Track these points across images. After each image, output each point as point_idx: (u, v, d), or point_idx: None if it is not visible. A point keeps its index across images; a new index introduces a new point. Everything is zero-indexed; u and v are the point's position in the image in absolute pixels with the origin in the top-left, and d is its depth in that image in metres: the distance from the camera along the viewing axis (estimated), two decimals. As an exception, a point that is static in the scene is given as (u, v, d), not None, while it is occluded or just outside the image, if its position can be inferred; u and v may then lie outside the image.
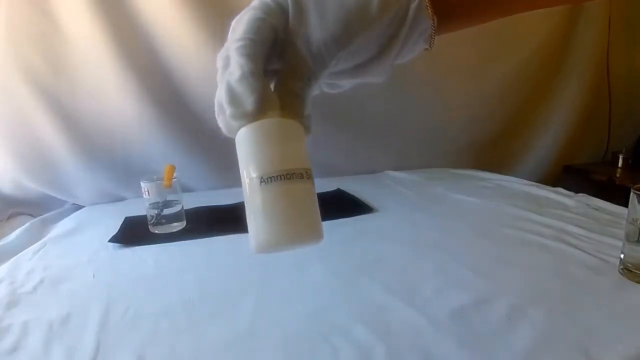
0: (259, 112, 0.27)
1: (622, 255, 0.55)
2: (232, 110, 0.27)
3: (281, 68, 0.30)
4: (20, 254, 0.73)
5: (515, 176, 1.15)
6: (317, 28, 0.29)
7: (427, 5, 0.31)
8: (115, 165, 1.06)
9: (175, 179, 0.78)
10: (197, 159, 1.10)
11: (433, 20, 0.32)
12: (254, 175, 0.26)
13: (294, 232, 0.27)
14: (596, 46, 1.37)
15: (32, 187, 1.05)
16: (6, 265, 0.68)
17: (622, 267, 0.55)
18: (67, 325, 0.49)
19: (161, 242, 0.75)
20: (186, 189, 1.08)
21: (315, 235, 0.28)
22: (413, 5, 0.30)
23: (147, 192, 0.77)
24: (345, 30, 0.29)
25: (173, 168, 0.78)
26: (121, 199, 1.09)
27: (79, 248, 0.75)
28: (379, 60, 0.32)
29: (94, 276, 0.63)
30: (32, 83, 0.96)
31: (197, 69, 1.05)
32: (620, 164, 1.41)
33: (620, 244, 0.56)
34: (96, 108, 1.01)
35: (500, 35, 1.26)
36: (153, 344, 0.45)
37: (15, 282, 0.61)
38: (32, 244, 0.77)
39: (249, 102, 0.26)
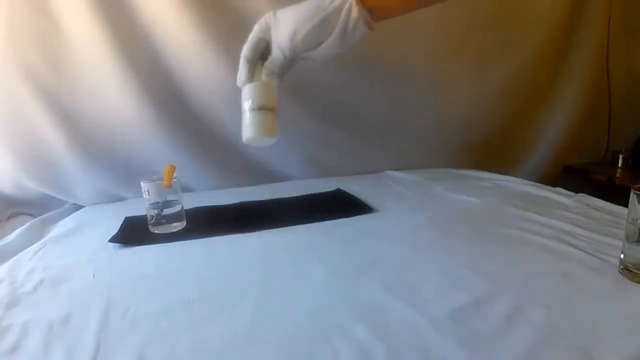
0: (249, 80, 0.56)
1: (622, 255, 0.55)
2: (238, 76, 0.57)
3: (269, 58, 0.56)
4: (20, 254, 0.73)
5: (515, 176, 1.15)
6: (280, 36, 0.54)
7: (356, 5, 0.50)
8: (115, 165, 1.06)
9: (175, 179, 0.78)
10: (197, 159, 1.10)
11: (360, 14, 0.50)
12: (247, 107, 0.55)
13: (262, 134, 0.55)
14: (596, 46, 1.37)
15: (32, 187, 1.05)
16: (6, 265, 0.68)
17: (622, 267, 0.55)
18: (67, 325, 0.49)
19: (161, 242, 0.75)
20: (186, 189, 1.08)
21: (272, 136, 0.56)
22: (346, 5, 0.50)
23: (147, 192, 0.77)
24: (294, 31, 0.53)
25: (173, 168, 0.78)
26: (121, 199, 1.09)
27: (79, 248, 0.75)
28: (327, 46, 0.53)
29: (94, 276, 0.63)
30: (32, 83, 0.96)
31: (197, 69, 1.05)
32: (620, 164, 1.41)
33: (620, 244, 0.56)
34: (96, 108, 1.01)
35: (500, 35, 1.26)
36: (153, 344, 0.45)
37: (15, 282, 0.61)
38: (32, 244, 0.77)
39: (241, 74, 0.56)
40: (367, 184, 1.08)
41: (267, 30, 0.56)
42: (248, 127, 0.55)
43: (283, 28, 0.54)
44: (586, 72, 1.38)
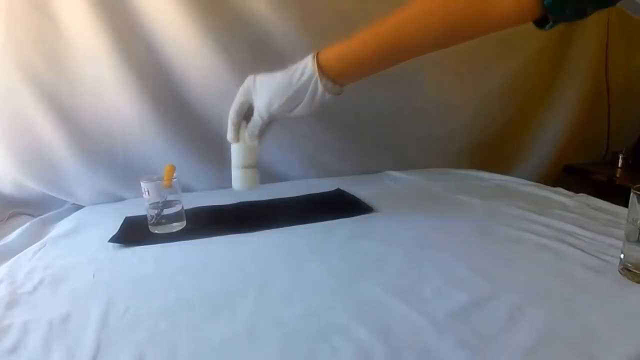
0: (235, 140, 0.72)
1: (622, 255, 0.55)
2: (227, 135, 0.72)
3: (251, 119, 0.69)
4: (20, 254, 0.73)
5: (515, 176, 1.15)
6: (259, 101, 0.66)
7: (320, 81, 0.62)
8: (115, 165, 1.06)
9: (175, 179, 0.78)
10: (197, 159, 1.10)
11: (325, 86, 0.62)
12: (233, 163, 0.74)
13: (245, 186, 0.75)
14: (595, 47, 1.37)
15: (32, 187, 1.05)
16: (6, 265, 0.68)
17: (622, 267, 0.55)
18: (67, 325, 0.49)
19: (161, 242, 0.75)
20: (186, 189, 1.08)
21: (254, 189, 0.76)
22: (312, 81, 0.62)
23: (147, 192, 0.77)
24: (270, 102, 0.65)
25: (173, 168, 0.78)
26: (121, 199, 1.09)
27: (79, 248, 0.75)
28: (300, 110, 0.65)
29: (94, 276, 0.63)
30: (32, 83, 0.96)
31: (197, 69, 1.05)
32: (620, 164, 1.41)
33: (620, 244, 0.56)
34: (96, 108, 1.01)
35: (500, 36, 1.26)
36: (153, 344, 0.45)
37: (15, 282, 0.61)
38: (32, 244, 0.77)
39: (229, 134, 0.71)
40: (367, 184, 1.08)
41: (248, 94, 0.68)
42: (235, 181, 0.75)
43: (260, 98, 0.66)
44: (585, 73, 1.38)
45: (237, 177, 0.76)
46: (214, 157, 1.08)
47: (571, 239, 0.67)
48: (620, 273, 0.55)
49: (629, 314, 0.47)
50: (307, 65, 0.63)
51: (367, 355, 0.42)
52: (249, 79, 0.68)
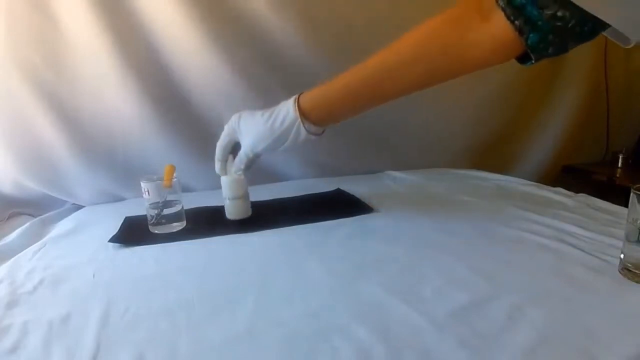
0: (223, 173, 0.80)
1: (622, 256, 0.55)
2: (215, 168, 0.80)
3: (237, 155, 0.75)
4: (20, 254, 0.73)
5: (515, 176, 1.15)
6: (244, 141, 0.73)
7: (302, 125, 0.67)
8: (115, 165, 1.06)
9: (175, 179, 0.78)
10: (197, 159, 1.10)
11: (308, 130, 0.68)
12: (224, 196, 0.83)
13: (237, 217, 0.83)
14: (594, 47, 1.37)
15: (32, 187, 1.05)
16: (6, 265, 0.68)
17: (622, 267, 0.55)
18: (67, 325, 0.49)
19: (161, 242, 0.75)
20: (186, 189, 1.08)
21: (245, 217, 0.84)
22: (295, 125, 0.67)
23: (147, 192, 0.77)
24: (254, 144, 0.72)
25: (173, 168, 0.78)
26: (121, 199, 1.09)
27: (79, 248, 0.75)
28: (283, 149, 0.71)
29: (94, 276, 0.63)
30: (32, 83, 0.96)
31: (197, 69, 1.05)
32: (620, 164, 1.41)
33: (620, 244, 0.56)
34: (96, 108, 1.01)
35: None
36: (153, 344, 0.45)
37: (15, 282, 0.61)
38: (32, 244, 0.77)
39: (217, 169, 0.80)
40: (367, 184, 1.08)
41: (233, 133, 0.75)
42: (227, 211, 0.84)
43: (245, 139, 0.73)
44: (585, 73, 1.38)
45: (228, 207, 0.83)
46: (214, 157, 1.08)
47: (571, 239, 0.67)
48: (620, 273, 0.55)
49: (629, 314, 0.47)
50: (289, 111, 0.67)
51: (367, 355, 0.42)
52: (234, 118, 0.74)
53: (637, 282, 0.53)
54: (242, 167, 0.75)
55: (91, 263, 0.67)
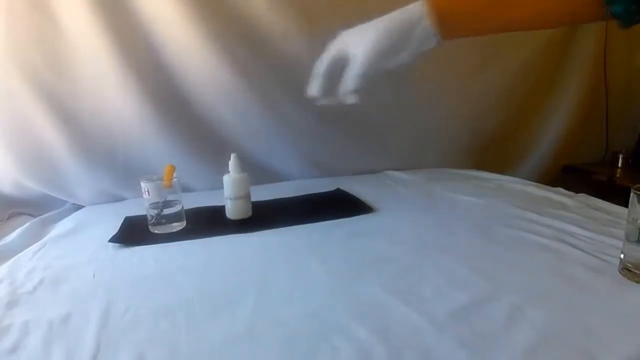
0: (321, 94, 0.62)
1: (622, 256, 0.55)
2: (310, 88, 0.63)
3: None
4: (20, 254, 0.73)
5: (515, 176, 1.15)
6: (358, 49, 0.59)
7: (429, 18, 0.54)
8: (115, 165, 1.06)
9: (175, 179, 0.78)
10: (197, 159, 1.10)
11: (437, 34, 0.54)
12: (226, 196, 0.83)
13: (238, 217, 0.83)
14: (594, 46, 1.37)
15: (32, 187, 1.05)
16: (6, 265, 0.68)
17: (622, 267, 0.55)
18: (67, 325, 0.49)
19: (161, 242, 0.75)
20: (186, 189, 1.08)
21: (246, 217, 0.84)
22: (422, 21, 0.55)
23: (147, 192, 0.77)
24: (367, 52, 0.58)
25: (173, 168, 0.78)
26: (121, 199, 1.09)
27: (79, 248, 0.75)
28: (401, 57, 0.58)
29: (94, 276, 0.63)
30: (32, 83, 0.96)
31: (197, 69, 1.05)
32: (620, 164, 1.40)
33: (620, 244, 0.56)
34: (96, 108, 1.01)
35: (500, 36, 1.26)
36: (153, 344, 0.45)
37: (15, 282, 0.61)
38: (32, 244, 0.77)
39: (314, 88, 0.62)
40: (367, 184, 1.08)
41: (342, 47, 0.62)
42: (227, 211, 0.83)
43: (359, 46, 0.59)
44: (585, 72, 1.38)
45: (229, 207, 0.83)
46: (214, 157, 1.09)
47: (571, 239, 0.67)
48: (620, 273, 0.55)
49: (629, 314, 0.47)
50: (414, 5, 0.56)
51: (367, 355, 0.42)
52: (341, 33, 0.64)
53: (637, 282, 0.53)
54: (355, 83, 0.59)
55: (91, 263, 0.67)
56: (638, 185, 0.53)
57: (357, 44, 0.60)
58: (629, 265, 0.54)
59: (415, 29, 0.55)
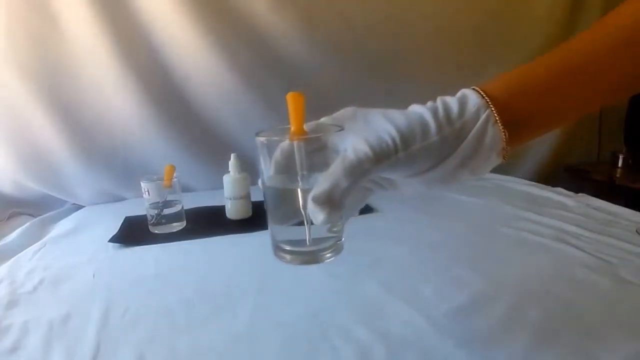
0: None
1: None
2: None
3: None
4: (20, 254, 0.73)
5: (515, 176, 1.15)
6: (352, 140, 0.33)
7: (496, 120, 0.33)
8: (115, 165, 1.06)
9: (175, 179, 0.78)
10: (197, 159, 1.10)
11: (505, 134, 0.34)
12: (226, 196, 0.83)
13: (237, 216, 0.83)
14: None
15: (32, 187, 1.05)
16: (6, 265, 0.68)
17: None
18: (67, 325, 0.49)
19: (161, 242, 0.75)
20: (186, 189, 1.08)
21: (246, 216, 0.85)
22: (480, 121, 0.33)
23: (147, 192, 0.77)
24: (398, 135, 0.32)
25: (173, 168, 0.78)
26: (121, 199, 1.09)
27: (79, 248, 0.75)
28: (437, 171, 0.33)
29: (94, 276, 0.63)
30: (32, 83, 0.96)
31: (197, 69, 1.05)
32: (620, 164, 1.40)
33: (620, 243, 0.56)
34: (96, 108, 1.01)
35: (500, 36, 1.26)
36: (153, 344, 0.45)
37: (15, 282, 0.61)
38: (32, 244, 0.77)
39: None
40: (367, 184, 1.08)
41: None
42: (228, 211, 0.83)
43: (356, 137, 0.33)
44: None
45: (228, 207, 0.83)
46: (214, 157, 1.09)
47: (571, 239, 0.67)
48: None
49: (628, 314, 0.47)
50: (465, 96, 0.34)
51: (367, 355, 0.42)
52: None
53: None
54: (345, 185, 0.31)
55: (91, 263, 0.67)
56: None
57: (354, 133, 0.34)
58: None
59: (469, 130, 0.33)
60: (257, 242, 0.74)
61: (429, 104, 0.35)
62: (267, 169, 0.37)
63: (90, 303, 0.54)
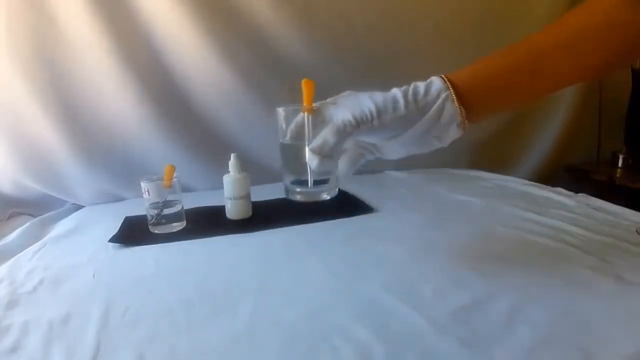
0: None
1: None
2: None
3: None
4: (20, 254, 0.73)
5: (515, 176, 1.15)
6: (342, 112, 0.45)
7: (453, 99, 0.45)
8: (115, 165, 1.06)
9: (175, 179, 0.78)
10: (197, 159, 1.10)
11: (461, 110, 0.45)
12: (226, 196, 0.83)
13: (237, 216, 0.83)
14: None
15: (32, 187, 1.05)
16: (6, 265, 0.68)
17: None
18: (67, 325, 0.49)
19: (161, 242, 0.75)
20: (186, 189, 1.08)
21: (246, 217, 0.84)
22: (440, 99, 0.45)
23: (147, 192, 0.77)
24: (373, 110, 0.45)
25: (173, 168, 0.78)
26: (121, 199, 1.10)
27: (79, 248, 0.75)
28: (409, 134, 0.46)
29: (94, 276, 0.63)
30: (31, 83, 0.96)
31: (197, 69, 1.05)
32: (620, 164, 1.40)
33: (620, 243, 0.56)
34: (96, 108, 1.02)
35: (499, 36, 1.26)
36: (153, 344, 0.45)
37: (15, 282, 0.61)
38: (32, 244, 0.77)
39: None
40: (367, 184, 1.08)
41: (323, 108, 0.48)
42: (228, 211, 0.83)
43: (346, 110, 0.45)
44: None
45: (229, 207, 0.83)
46: (214, 157, 1.09)
47: (571, 239, 0.67)
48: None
49: (629, 314, 0.47)
50: (431, 81, 0.47)
51: (367, 355, 0.42)
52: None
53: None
54: (331, 142, 0.44)
55: (91, 263, 0.67)
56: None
57: (343, 107, 0.46)
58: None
59: (432, 105, 0.45)
60: (257, 242, 0.74)
61: (404, 87, 0.47)
62: (284, 135, 0.53)
63: (90, 303, 0.54)
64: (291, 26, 1.08)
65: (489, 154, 1.36)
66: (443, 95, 0.45)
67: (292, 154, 0.54)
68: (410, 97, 0.45)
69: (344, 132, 0.44)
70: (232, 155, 0.82)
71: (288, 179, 0.55)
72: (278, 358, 0.43)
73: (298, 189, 0.54)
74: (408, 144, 0.47)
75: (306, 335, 0.45)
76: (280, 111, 0.53)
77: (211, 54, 1.03)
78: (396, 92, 0.46)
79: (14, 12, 0.93)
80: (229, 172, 0.82)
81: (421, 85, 0.47)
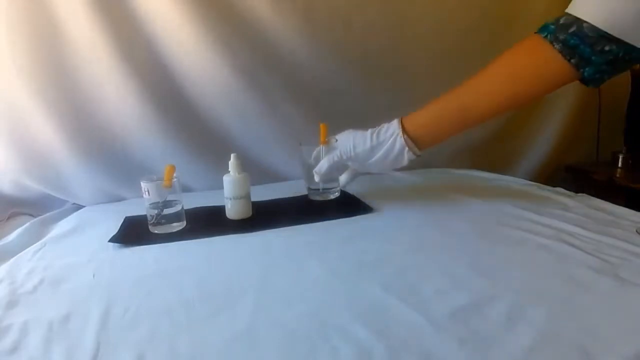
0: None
1: None
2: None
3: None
4: (20, 254, 0.73)
5: (515, 176, 1.15)
6: (342, 146, 0.81)
7: (402, 136, 0.77)
8: (115, 165, 1.06)
9: (175, 179, 0.78)
10: (197, 159, 1.10)
11: (408, 143, 0.77)
12: (226, 196, 0.84)
13: (236, 216, 0.84)
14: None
15: (33, 187, 1.05)
16: (6, 265, 0.68)
17: None
18: (67, 325, 0.49)
19: (161, 242, 0.75)
20: (186, 189, 1.08)
21: (246, 217, 0.85)
22: (393, 137, 0.77)
23: (147, 192, 0.77)
24: (353, 146, 0.79)
25: (173, 168, 0.78)
26: (121, 199, 1.09)
27: (79, 248, 0.75)
28: (375, 160, 0.80)
29: (94, 276, 0.63)
30: (31, 83, 0.96)
31: (197, 69, 1.05)
32: (620, 164, 1.40)
33: (620, 244, 0.56)
34: (96, 108, 1.01)
35: (499, 35, 1.26)
36: (153, 344, 0.45)
37: (15, 282, 0.61)
38: (32, 244, 0.77)
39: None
40: (367, 184, 1.08)
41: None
42: (228, 211, 0.84)
43: (344, 144, 0.81)
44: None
45: (229, 207, 0.84)
46: (214, 157, 1.09)
47: (571, 239, 0.67)
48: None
49: (629, 314, 0.47)
50: (391, 124, 0.78)
51: (367, 355, 0.42)
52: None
53: None
54: (325, 168, 0.82)
55: (91, 263, 0.67)
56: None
57: (343, 142, 0.81)
58: None
59: (389, 140, 0.77)
60: (257, 242, 0.74)
61: (376, 127, 0.79)
62: (306, 162, 0.89)
63: (90, 303, 0.54)
64: (291, 26, 1.08)
65: (489, 154, 1.36)
66: (395, 134, 0.76)
67: (311, 172, 0.85)
68: (374, 135, 0.77)
69: (333, 162, 0.81)
70: (232, 155, 0.82)
71: (309, 184, 0.93)
72: (278, 358, 0.43)
73: (315, 192, 0.94)
74: (379, 163, 0.79)
75: (306, 335, 0.45)
76: (303, 148, 0.90)
77: (211, 54, 1.03)
78: (368, 132, 0.78)
79: (14, 12, 0.93)
80: (229, 172, 0.82)
81: (386, 126, 0.78)
